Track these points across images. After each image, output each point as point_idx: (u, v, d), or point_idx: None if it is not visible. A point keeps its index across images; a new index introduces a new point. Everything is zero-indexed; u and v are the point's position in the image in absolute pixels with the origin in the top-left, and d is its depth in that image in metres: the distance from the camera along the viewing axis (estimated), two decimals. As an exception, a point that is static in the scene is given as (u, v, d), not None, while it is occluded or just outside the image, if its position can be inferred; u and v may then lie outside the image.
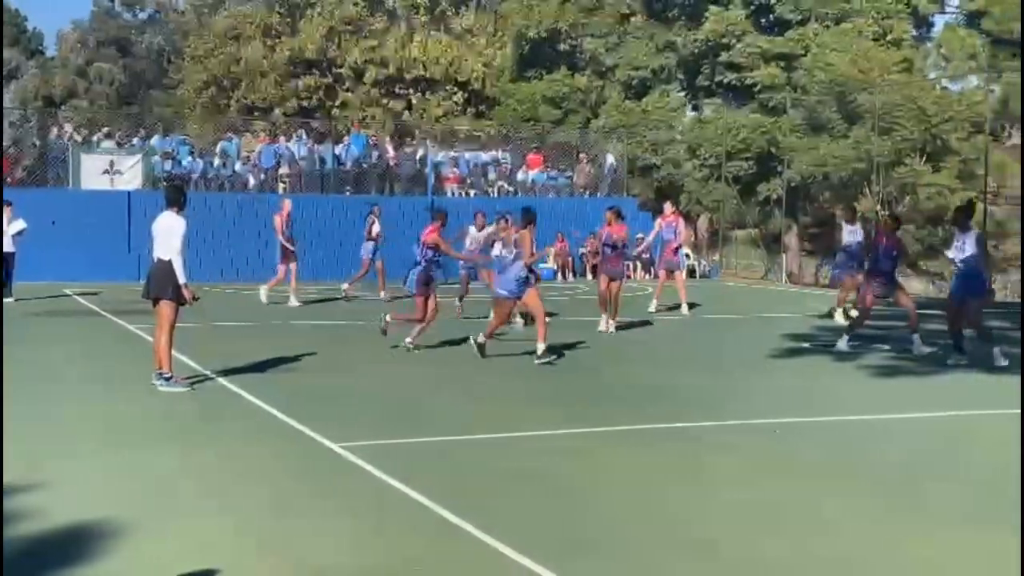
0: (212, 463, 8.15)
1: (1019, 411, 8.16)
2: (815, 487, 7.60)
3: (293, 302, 20.91)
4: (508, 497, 7.19)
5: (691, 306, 20.42)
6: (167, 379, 11.13)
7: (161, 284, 11.09)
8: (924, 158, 34.09)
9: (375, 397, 11.14)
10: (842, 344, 14.78)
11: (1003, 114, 38.47)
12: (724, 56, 39.17)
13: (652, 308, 20.28)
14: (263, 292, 21.59)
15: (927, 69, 39.94)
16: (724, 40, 38.82)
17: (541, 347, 13.24)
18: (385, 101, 44.90)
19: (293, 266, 21.45)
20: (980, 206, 31.23)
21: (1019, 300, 25.96)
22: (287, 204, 22.19)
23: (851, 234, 18.91)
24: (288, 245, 21.55)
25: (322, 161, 31.62)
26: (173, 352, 11.38)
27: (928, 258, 35.86)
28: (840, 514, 6.84)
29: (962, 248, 13.58)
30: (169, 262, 11.03)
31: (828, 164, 34.80)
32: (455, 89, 45.19)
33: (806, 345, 15.78)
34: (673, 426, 9.62)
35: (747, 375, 12.91)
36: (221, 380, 11.79)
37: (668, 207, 21.71)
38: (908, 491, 7.48)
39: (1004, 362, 13.38)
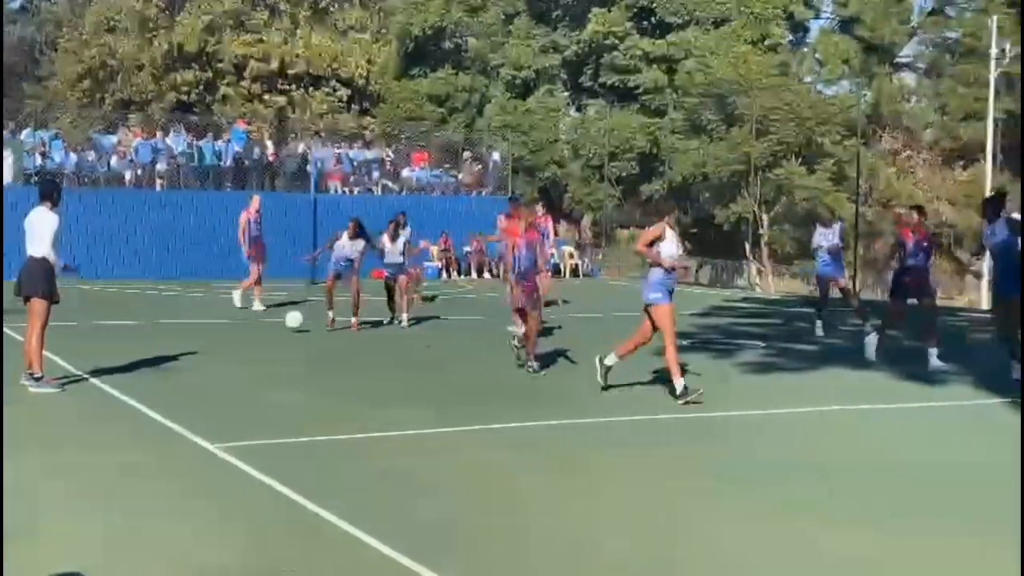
0: (84, 464, 7.92)
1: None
2: (674, 483, 7.71)
3: (257, 306, 19.55)
4: (378, 495, 7.14)
5: (548, 303, 20.38)
6: (37, 379, 10.77)
7: (33, 282, 10.73)
8: (799, 160, 34.97)
9: (251, 397, 10.96)
10: (935, 361, 13.13)
11: (875, 118, 39.75)
12: (607, 58, 39.62)
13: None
14: (237, 296, 20.05)
15: (803, 73, 41.01)
16: (607, 42, 39.26)
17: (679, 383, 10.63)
18: (267, 97, 44.24)
19: (261, 266, 19.88)
20: (852, 207, 32.22)
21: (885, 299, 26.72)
22: (256, 200, 20.60)
23: (828, 236, 17.14)
24: (244, 245, 19.97)
25: (201, 157, 31.02)
26: (46, 352, 11.04)
27: (802, 258, 36.77)
28: (704, 510, 6.96)
29: (992, 235, 12.41)
30: (42, 259, 10.69)
31: (707, 165, 35.48)
32: (338, 86, 44.78)
33: (684, 343, 15.98)
34: (539, 424, 9.66)
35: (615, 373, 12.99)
36: (95, 381, 11.47)
37: (539, 208, 21.71)
38: (760, 485, 7.64)
39: (872, 354, 13.81)
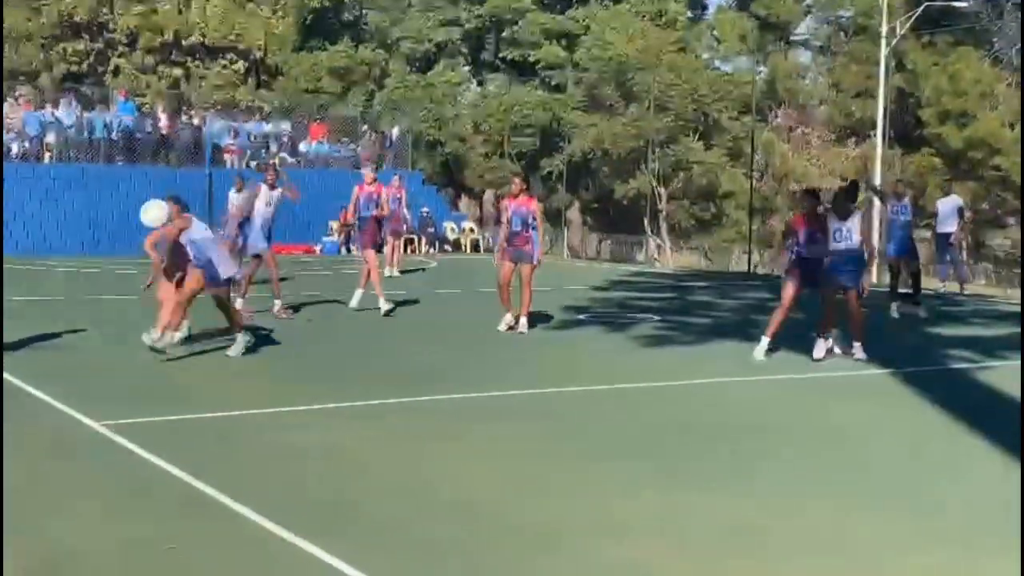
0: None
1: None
2: (567, 453, 7.77)
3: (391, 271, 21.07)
4: (267, 472, 7.06)
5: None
6: None
7: None
8: (697, 136, 35.40)
9: (140, 373, 10.74)
10: (859, 354, 12.00)
11: (770, 94, 40.40)
12: (508, 32, 39.58)
13: (394, 273, 21.87)
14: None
15: (700, 50, 41.48)
16: (508, 16, 39.21)
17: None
18: (161, 68, 43.22)
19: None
20: (747, 183, 32.74)
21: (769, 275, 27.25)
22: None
23: (903, 211, 16.34)
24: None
25: (91, 130, 30.24)
26: None
27: (700, 234, 37.36)
28: (572, 479, 7.03)
29: (848, 236, 11.77)
30: None
31: (607, 141, 35.72)
32: (235, 58, 43.93)
33: (581, 317, 16.12)
34: (435, 398, 9.64)
35: (510, 347, 13.06)
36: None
37: (395, 180, 23.07)
38: (658, 453, 7.74)
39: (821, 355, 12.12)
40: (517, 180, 14.25)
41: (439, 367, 11.39)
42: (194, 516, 6.07)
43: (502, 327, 13.85)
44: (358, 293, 15.60)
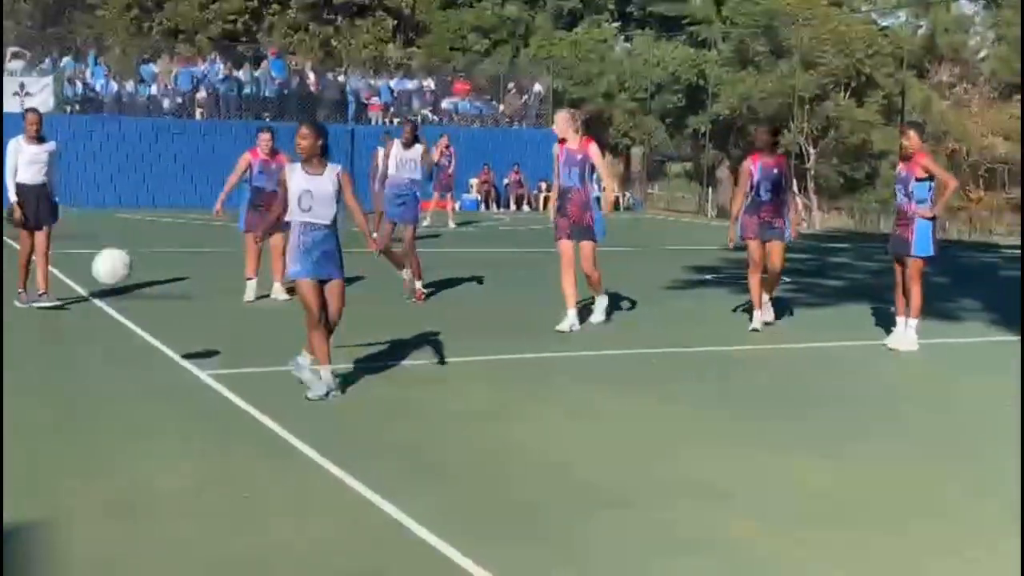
0: (73, 383, 7.95)
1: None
2: (674, 414, 7.57)
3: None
4: (356, 426, 7.09)
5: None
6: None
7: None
8: (848, 93, 34.18)
9: (249, 325, 10.96)
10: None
11: (930, 50, 38.70)
12: (655, -14, 38.90)
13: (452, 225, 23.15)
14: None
15: (857, 3, 39.94)
16: (656, -30, 38.51)
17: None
18: (312, 26, 43.96)
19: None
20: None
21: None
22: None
23: None
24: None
25: (240, 86, 30.98)
26: (51, 270, 11.63)
27: (850, 194, 36.17)
28: (693, 438, 6.83)
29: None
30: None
31: (754, 98, 34.80)
32: (384, 15, 44.34)
33: (708, 277, 15.77)
34: (540, 356, 9.53)
35: (623, 307, 12.81)
36: (99, 303, 11.58)
37: (443, 139, 21.89)
38: (756, 416, 7.48)
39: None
40: (763, 134, 10.97)
41: (541, 323, 11.24)
42: (276, 466, 6.13)
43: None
44: None
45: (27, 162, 11.11)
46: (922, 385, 8.98)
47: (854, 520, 5.38)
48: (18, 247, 11.59)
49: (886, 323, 11.12)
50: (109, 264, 9.14)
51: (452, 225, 23.44)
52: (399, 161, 12.57)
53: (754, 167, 10.73)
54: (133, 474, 5.89)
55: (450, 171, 24.31)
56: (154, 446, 6.44)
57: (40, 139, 11.21)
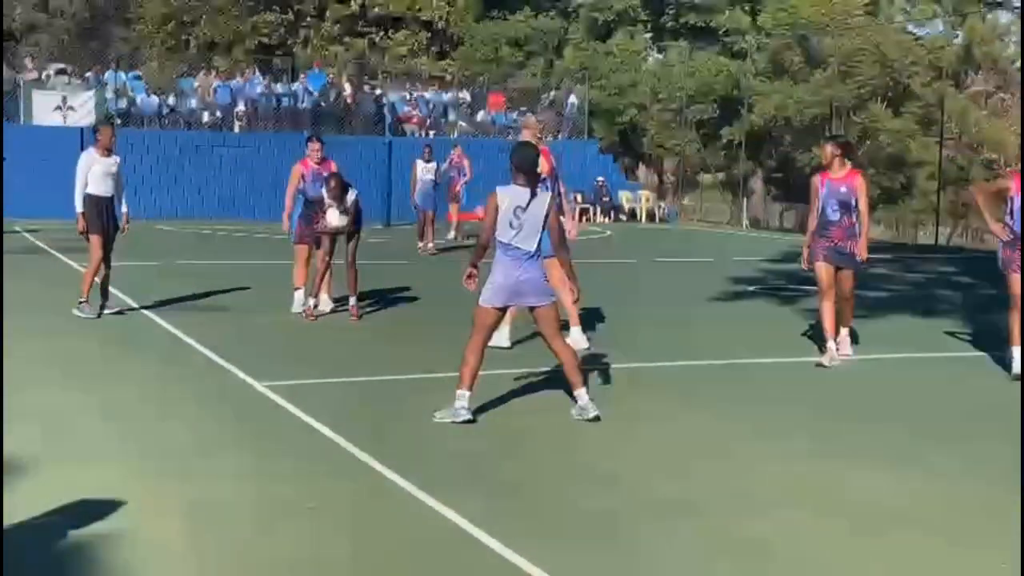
0: (131, 396, 8.08)
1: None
2: (726, 426, 7.61)
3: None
4: (417, 436, 7.17)
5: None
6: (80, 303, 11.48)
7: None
8: (885, 103, 34.04)
9: (301, 337, 11.07)
10: None
11: (967, 60, 38.45)
12: (689, -3, 38.86)
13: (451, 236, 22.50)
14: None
15: (892, 12, 39.78)
16: (689, -19, 38.50)
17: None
18: (347, 39, 44.28)
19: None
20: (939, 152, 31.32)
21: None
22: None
23: None
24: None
25: (278, 100, 31.26)
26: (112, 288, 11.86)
27: (887, 204, 35.97)
28: (746, 452, 6.86)
29: None
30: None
31: (789, 109, 34.72)
32: (418, 28, 44.61)
33: (750, 288, 15.77)
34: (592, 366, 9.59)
35: (659, 321, 12.87)
36: (150, 314, 11.75)
37: (456, 151, 23.07)
38: (801, 430, 7.50)
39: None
40: (831, 148, 9.92)
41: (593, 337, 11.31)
42: (338, 475, 6.21)
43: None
44: None
45: (101, 174, 11.38)
46: (963, 398, 8.94)
47: (915, 527, 5.41)
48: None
49: (930, 335, 11.09)
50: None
51: (451, 235, 22.83)
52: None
53: (821, 184, 9.82)
54: (201, 483, 5.98)
55: (462, 182, 23.43)
56: (217, 456, 6.54)
57: (109, 152, 11.49)
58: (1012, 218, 9.27)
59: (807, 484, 6.20)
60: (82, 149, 28.24)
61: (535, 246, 7.39)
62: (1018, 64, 40.12)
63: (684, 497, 5.91)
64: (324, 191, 11.65)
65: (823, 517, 5.60)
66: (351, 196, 11.65)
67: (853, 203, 9.68)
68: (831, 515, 5.63)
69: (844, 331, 10.02)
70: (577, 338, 9.99)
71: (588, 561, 4.95)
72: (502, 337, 10.09)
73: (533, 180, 7.48)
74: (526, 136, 10.20)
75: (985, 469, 6.58)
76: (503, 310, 7.61)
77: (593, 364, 9.60)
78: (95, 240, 11.36)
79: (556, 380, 8.40)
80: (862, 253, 9.74)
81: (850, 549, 5.17)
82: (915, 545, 5.23)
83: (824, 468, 6.52)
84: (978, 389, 9.14)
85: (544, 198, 7.49)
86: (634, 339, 11.13)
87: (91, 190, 11.36)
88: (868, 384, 9.29)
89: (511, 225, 7.33)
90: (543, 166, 8.92)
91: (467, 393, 7.35)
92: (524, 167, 7.48)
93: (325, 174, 12.03)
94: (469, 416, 7.34)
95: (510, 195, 7.40)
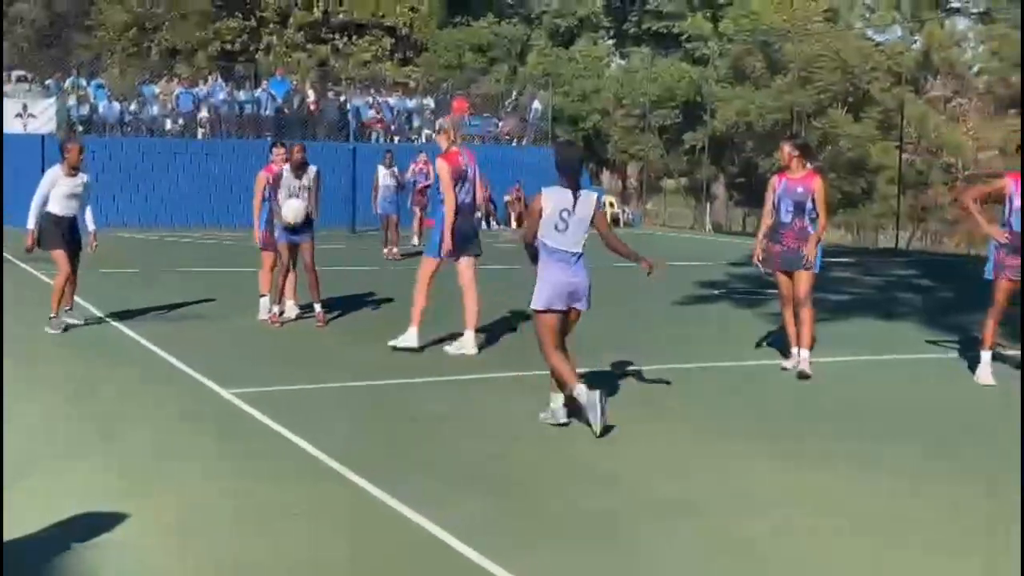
0: (101, 406, 8.05)
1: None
2: (684, 431, 7.68)
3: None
4: (388, 441, 7.19)
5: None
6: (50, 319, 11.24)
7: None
8: (845, 108, 34.41)
9: (267, 344, 11.06)
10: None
11: (925, 65, 38.91)
12: (651, 3, 39.11)
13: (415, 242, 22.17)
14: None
15: (852, 18, 40.21)
16: (652, -13, 38.77)
17: None
18: (310, 46, 44.17)
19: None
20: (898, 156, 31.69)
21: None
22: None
23: None
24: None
25: (241, 106, 31.15)
26: (76, 297, 11.75)
27: (847, 209, 36.32)
28: (731, 453, 6.94)
29: None
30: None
31: (751, 114, 35.03)
32: (381, 34, 44.57)
33: (713, 292, 15.89)
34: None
35: (626, 323, 12.95)
36: (116, 324, 11.68)
37: (421, 156, 22.73)
38: (773, 432, 7.59)
39: None
40: (789, 147, 9.67)
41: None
42: (313, 482, 6.21)
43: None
44: None
45: (65, 195, 11.04)
46: (928, 398, 9.07)
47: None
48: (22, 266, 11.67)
49: (886, 337, 11.23)
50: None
51: (415, 241, 22.56)
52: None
53: (777, 184, 9.62)
54: (184, 496, 5.96)
55: (421, 188, 23.06)
56: (189, 465, 6.53)
57: (76, 170, 11.16)
58: (1012, 218, 9.19)
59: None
60: (43, 157, 28.00)
61: (582, 248, 7.35)
62: (975, 69, 40.67)
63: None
64: (285, 171, 11.68)
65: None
66: (312, 170, 11.74)
67: (809, 205, 9.45)
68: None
69: (805, 352, 9.54)
70: (468, 342, 10.18)
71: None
72: (468, 344, 10.17)
73: (576, 181, 7.39)
74: (441, 141, 10.29)
75: (973, 473, 6.69)
76: (565, 313, 7.43)
77: (592, 365, 9.63)
78: (58, 255, 11.16)
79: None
80: (810, 255, 9.42)
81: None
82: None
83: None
84: (947, 389, 9.28)
85: (590, 198, 7.38)
86: (623, 341, 11.15)
87: (52, 209, 11.00)
88: (843, 387, 9.36)
89: (556, 228, 7.27)
90: (443, 168, 9.88)
91: (580, 387, 7.13)
92: (567, 168, 7.41)
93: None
94: (565, 419, 7.40)
95: (555, 197, 7.30)
